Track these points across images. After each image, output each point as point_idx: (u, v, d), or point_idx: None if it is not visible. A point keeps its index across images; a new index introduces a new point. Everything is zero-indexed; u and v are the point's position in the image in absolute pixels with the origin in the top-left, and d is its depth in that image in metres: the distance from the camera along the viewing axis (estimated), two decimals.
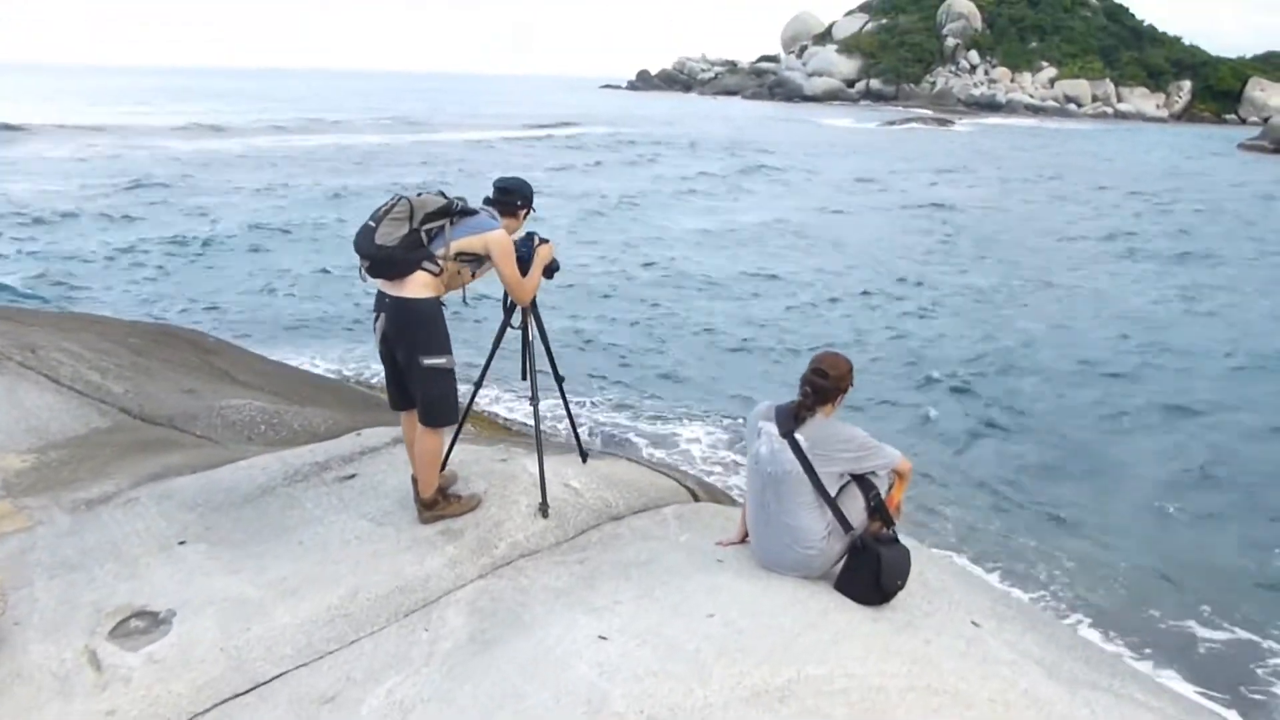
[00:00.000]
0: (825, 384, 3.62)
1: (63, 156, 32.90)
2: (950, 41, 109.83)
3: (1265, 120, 72.67)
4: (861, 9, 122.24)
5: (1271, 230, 25.81)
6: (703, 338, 13.79)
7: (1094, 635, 6.21)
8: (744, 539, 3.97)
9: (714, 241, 21.77)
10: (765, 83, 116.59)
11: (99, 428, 5.87)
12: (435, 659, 3.34)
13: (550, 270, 4.29)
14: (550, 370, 4.44)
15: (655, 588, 3.62)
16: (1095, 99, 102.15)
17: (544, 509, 4.24)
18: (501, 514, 4.21)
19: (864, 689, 3.02)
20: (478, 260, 3.97)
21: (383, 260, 3.82)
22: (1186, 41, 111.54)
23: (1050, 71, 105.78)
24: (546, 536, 4.16)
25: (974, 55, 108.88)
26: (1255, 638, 6.49)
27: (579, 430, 5.01)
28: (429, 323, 3.90)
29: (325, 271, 16.81)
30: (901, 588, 3.61)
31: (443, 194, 3.96)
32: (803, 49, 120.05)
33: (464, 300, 4.17)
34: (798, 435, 3.60)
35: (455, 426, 4.32)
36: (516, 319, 4.29)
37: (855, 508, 3.63)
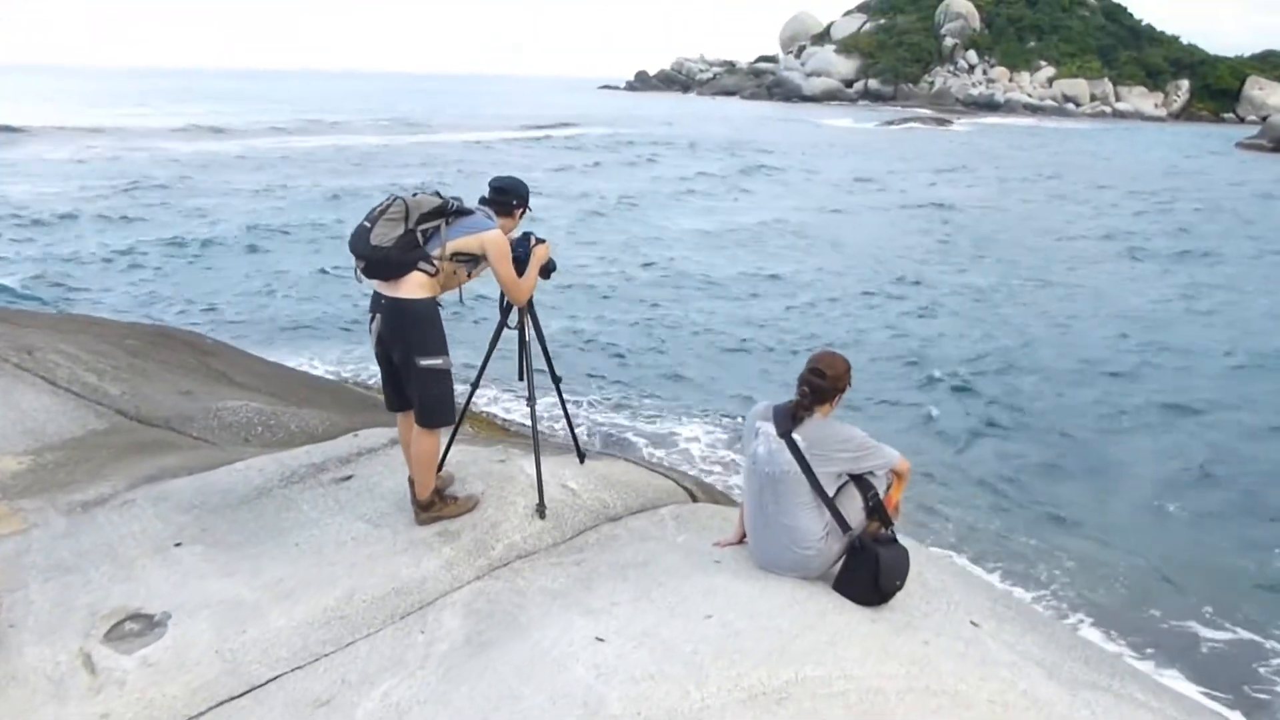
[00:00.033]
0: (823, 384, 3.61)
1: (62, 158, 32.90)
2: (948, 41, 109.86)
3: (1263, 119, 72.70)
4: (860, 9, 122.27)
5: (1270, 229, 25.81)
6: (702, 338, 13.78)
7: (1094, 635, 6.19)
8: (742, 539, 3.96)
9: (713, 241, 21.77)
10: (764, 83, 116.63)
11: (95, 429, 5.85)
12: (431, 661, 3.32)
13: (547, 270, 4.27)
14: (547, 370, 4.43)
15: (652, 589, 3.60)
16: (1093, 98, 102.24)
17: (541, 510, 4.23)
18: (498, 515, 4.19)
19: (862, 690, 3.00)
20: (474, 260, 3.95)
21: (378, 261, 3.80)
22: (1185, 41, 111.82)
23: (1048, 71, 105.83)
24: (544, 538, 4.14)
25: (972, 55, 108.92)
26: (1257, 637, 6.48)
27: (576, 430, 5.00)
28: (425, 323, 3.88)
29: (323, 272, 16.81)
30: (900, 588, 3.59)
31: (438, 194, 3.94)
32: (801, 49, 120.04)
33: (461, 300, 4.15)
34: (795, 435, 3.58)
35: (452, 427, 4.30)
36: (513, 319, 4.28)
37: (853, 508, 3.61)
